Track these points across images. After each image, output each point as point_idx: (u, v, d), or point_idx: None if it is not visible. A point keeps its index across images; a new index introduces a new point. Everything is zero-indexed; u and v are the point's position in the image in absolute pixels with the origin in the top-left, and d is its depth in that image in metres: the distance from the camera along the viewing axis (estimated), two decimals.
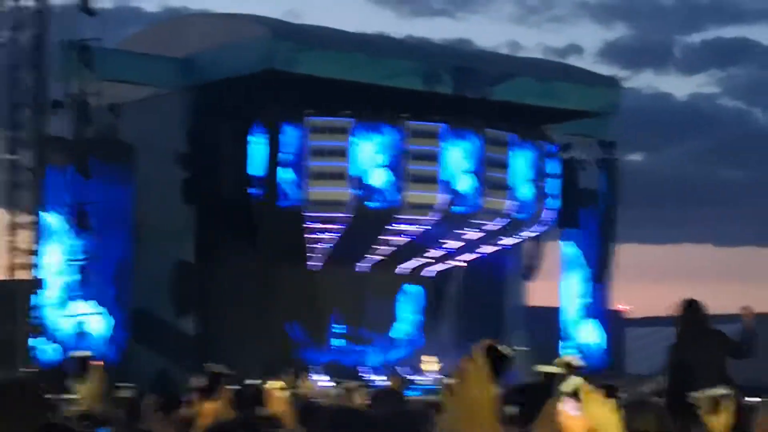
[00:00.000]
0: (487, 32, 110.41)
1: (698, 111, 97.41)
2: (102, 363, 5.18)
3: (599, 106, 41.95)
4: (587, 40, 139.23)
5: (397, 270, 41.92)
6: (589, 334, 44.29)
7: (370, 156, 38.43)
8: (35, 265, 32.52)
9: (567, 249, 45.15)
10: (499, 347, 4.30)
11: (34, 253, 32.51)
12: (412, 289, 42.02)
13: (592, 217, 44.01)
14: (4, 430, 4.94)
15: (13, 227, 32.57)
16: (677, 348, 12.90)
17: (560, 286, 45.10)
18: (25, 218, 32.68)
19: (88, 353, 5.63)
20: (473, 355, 3.16)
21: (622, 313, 50.96)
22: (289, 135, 37.66)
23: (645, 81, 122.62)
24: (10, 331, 31.05)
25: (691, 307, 12.98)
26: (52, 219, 34.06)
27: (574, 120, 42.55)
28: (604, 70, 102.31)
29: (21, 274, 32.29)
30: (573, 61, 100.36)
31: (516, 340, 42.62)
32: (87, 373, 5.12)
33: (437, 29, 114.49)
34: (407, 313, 41.83)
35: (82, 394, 4.92)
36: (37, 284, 32.72)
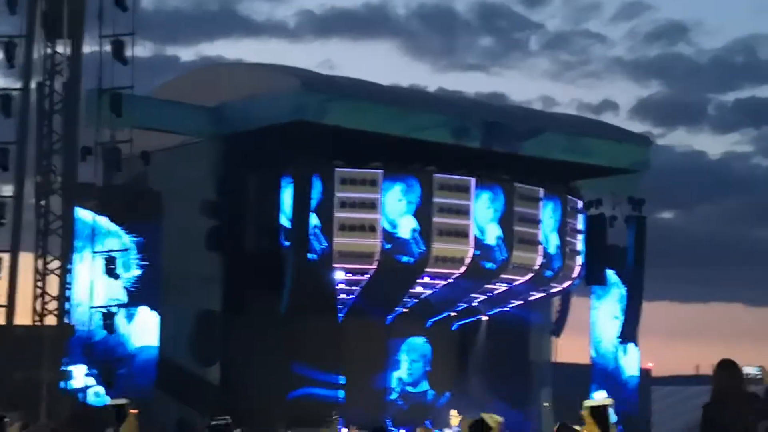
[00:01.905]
0: (522, 87, 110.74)
1: (731, 170, 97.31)
2: (137, 411, 5.15)
3: (629, 163, 41.89)
4: (621, 97, 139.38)
5: (424, 322, 41.81)
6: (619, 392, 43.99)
7: (398, 208, 38.40)
8: (66, 311, 32.46)
9: (595, 306, 44.97)
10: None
11: (64, 299, 32.46)
12: (417, 342, 41.94)
13: (620, 274, 43.83)
14: None
15: (43, 273, 32.56)
16: (711, 408, 12.74)
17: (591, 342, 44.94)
18: (54, 264, 32.66)
19: (124, 401, 5.62)
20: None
21: (649, 371, 50.66)
22: (318, 186, 37.67)
23: (678, 139, 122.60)
24: (37, 376, 30.93)
25: (728, 367, 12.80)
26: (81, 266, 34.05)
27: (604, 176, 42.47)
28: (638, 126, 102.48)
29: (49, 320, 32.23)
30: (607, 117, 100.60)
31: (542, 395, 42.43)
32: (123, 419, 5.10)
33: (471, 83, 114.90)
34: (411, 366, 41.70)
35: None
36: (68, 330, 32.64)
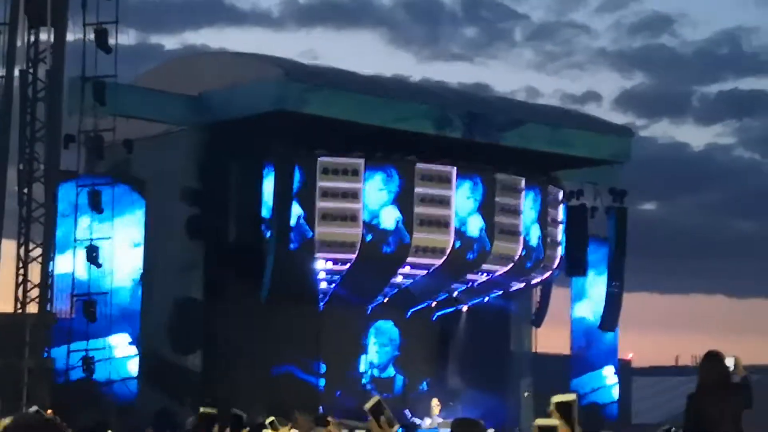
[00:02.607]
0: (506, 78, 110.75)
1: (714, 161, 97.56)
2: (51, 411, 5.16)
3: (610, 154, 42.09)
4: (605, 88, 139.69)
5: (404, 312, 41.95)
6: (598, 383, 44.25)
7: (379, 198, 38.51)
8: (47, 300, 32.53)
9: (575, 296, 45.24)
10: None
11: (46, 287, 32.54)
12: (385, 326, 41.95)
13: (601, 264, 44.08)
14: None
15: (25, 261, 32.63)
16: (696, 398, 12.91)
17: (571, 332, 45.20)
18: (36, 252, 32.74)
19: (34, 407, 5.59)
20: None
21: (629, 362, 50.95)
22: (299, 175, 37.75)
23: (661, 130, 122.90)
24: (18, 366, 31.02)
25: (713, 358, 12.99)
26: (63, 254, 34.13)
27: (585, 167, 42.67)
28: (621, 118, 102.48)
29: (31, 308, 32.32)
30: (590, 108, 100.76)
31: (522, 386, 42.65)
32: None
33: (455, 74, 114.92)
34: (380, 351, 41.76)
35: None
36: (50, 318, 32.72)
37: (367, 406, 6.08)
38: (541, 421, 4.50)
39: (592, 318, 44.71)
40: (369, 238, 38.16)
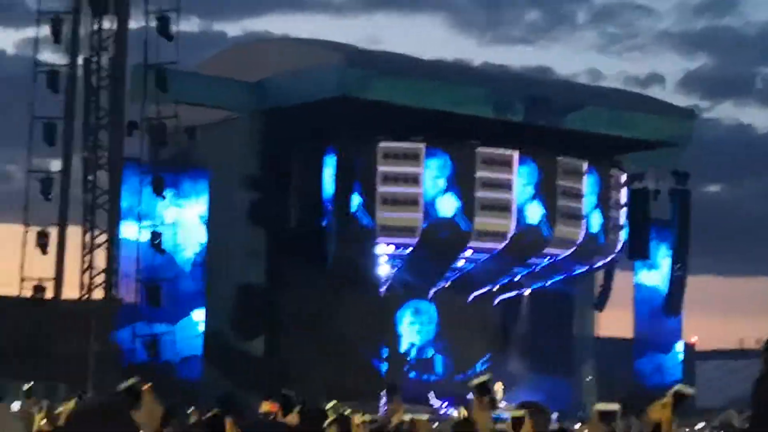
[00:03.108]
0: (568, 60, 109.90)
1: None
2: (150, 385, 5.28)
3: (672, 137, 41.75)
4: (668, 70, 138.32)
5: (465, 297, 41.92)
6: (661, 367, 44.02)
7: (440, 182, 38.49)
8: (112, 285, 32.80)
9: (638, 279, 44.99)
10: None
11: (111, 272, 32.81)
12: (423, 305, 41.68)
13: (664, 248, 43.82)
14: None
15: (90, 247, 32.91)
16: (763, 384, 12.76)
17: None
18: (101, 238, 33.01)
19: (133, 380, 5.73)
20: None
21: (693, 346, 50.59)
22: (361, 160, 37.81)
23: (725, 112, 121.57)
24: (84, 351, 31.28)
25: None
26: (128, 239, 34.42)
27: (647, 150, 42.36)
28: (684, 100, 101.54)
29: (97, 293, 32.59)
30: (653, 90, 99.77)
31: (585, 370, 42.49)
32: (138, 400, 5.25)
33: (517, 57, 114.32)
34: (421, 330, 41.57)
35: (141, 420, 5.05)
36: (116, 304, 33.00)
37: (475, 382, 6.13)
38: (601, 406, 4.53)
39: (655, 302, 44.41)
40: (430, 222, 38.15)
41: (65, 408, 8.04)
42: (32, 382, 13.91)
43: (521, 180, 39.22)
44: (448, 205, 38.42)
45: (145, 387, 5.67)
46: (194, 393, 34.93)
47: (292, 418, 10.32)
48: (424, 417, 9.60)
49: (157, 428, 5.50)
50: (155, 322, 34.18)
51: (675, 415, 4.88)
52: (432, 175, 38.28)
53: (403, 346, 41.06)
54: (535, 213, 39.47)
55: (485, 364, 41.82)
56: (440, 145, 38.60)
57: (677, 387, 5.16)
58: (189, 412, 18.26)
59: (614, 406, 4.75)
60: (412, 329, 41.35)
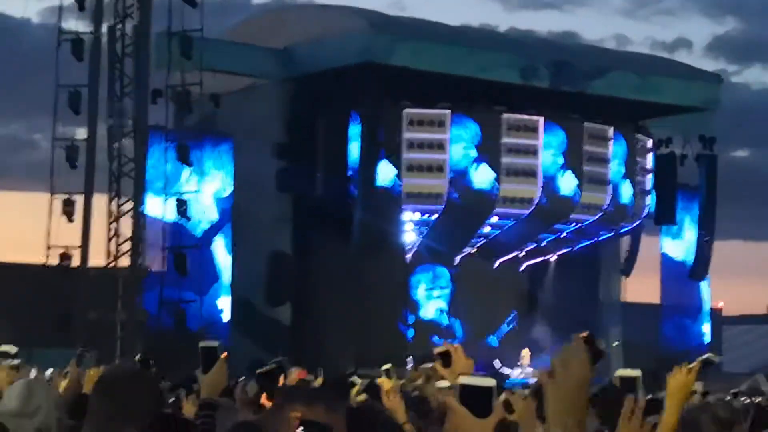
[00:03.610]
0: (594, 25, 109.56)
1: None
2: (226, 354, 5.29)
3: (699, 101, 41.54)
4: (696, 34, 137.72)
5: (492, 263, 41.92)
6: (688, 332, 43.94)
7: (466, 148, 38.43)
8: (139, 253, 32.96)
9: (665, 245, 44.89)
10: (596, 340, 4.43)
11: (137, 240, 32.96)
12: (441, 270, 41.59)
13: (691, 213, 43.68)
14: (119, 420, 5.03)
15: (116, 215, 33.04)
16: None
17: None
18: (127, 206, 33.13)
19: (216, 343, 5.73)
20: (574, 343, 3.20)
21: (719, 311, 50.49)
22: (387, 127, 37.76)
23: (754, 76, 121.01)
24: (112, 318, 31.49)
25: None
26: (153, 207, 34.54)
27: (674, 115, 42.19)
28: (713, 64, 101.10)
29: (123, 261, 32.75)
30: (681, 55, 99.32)
31: (611, 336, 42.43)
32: (212, 363, 5.28)
33: (544, 22, 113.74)
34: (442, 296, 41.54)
35: (205, 382, 5.06)
36: (142, 272, 33.16)
37: (437, 350, 6.03)
38: (622, 372, 4.48)
39: (682, 267, 44.31)
40: (456, 188, 38.13)
41: (89, 374, 8.06)
42: (82, 349, 13.95)
43: (548, 146, 39.10)
44: (475, 171, 38.35)
45: (224, 355, 5.71)
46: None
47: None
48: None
49: (215, 394, 5.53)
50: (182, 290, 34.30)
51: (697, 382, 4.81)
52: (460, 141, 38.19)
53: (428, 312, 41.05)
54: (561, 179, 39.35)
55: (511, 323, 41.85)
56: (466, 111, 38.51)
57: (707, 355, 5.10)
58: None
59: (636, 372, 4.68)
60: (432, 294, 41.34)
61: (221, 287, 36.69)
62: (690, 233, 43.87)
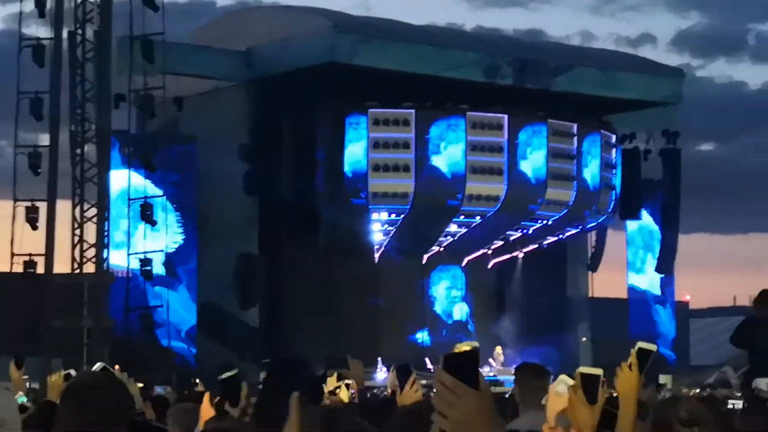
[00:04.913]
0: (560, 22, 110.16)
1: None
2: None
3: (662, 96, 41.68)
4: (660, 29, 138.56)
5: (460, 261, 41.94)
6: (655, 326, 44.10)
7: (431, 147, 38.41)
8: (104, 259, 32.74)
9: (630, 240, 45.02)
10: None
11: (102, 246, 32.71)
12: (449, 272, 41.91)
13: (655, 207, 43.82)
14: (90, 428, 4.93)
15: (80, 221, 32.79)
16: (751, 326, 12.74)
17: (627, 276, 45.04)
18: (91, 212, 32.89)
19: (235, 371, 5.60)
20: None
21: (686, 304, 50.69)
22: (352, 128, 37.69)
23: (718, 70, 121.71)
24: (78, 325, 31.22)
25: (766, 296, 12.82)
26: (118, 213, 34.34)
27: (637, 110, 42.32)
28: (677, 59, 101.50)
29: (88, 268, 32.50)
30: (646, 50, 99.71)
31: (580, 331, 42.55)
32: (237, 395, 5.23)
33: (509, 20, 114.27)
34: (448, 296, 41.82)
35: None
36: (107, 278, 32.92)
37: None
38: (584, 369, 4.42)
39: (647, 261, 44.45)
40: (422, 187, 38.12)
41: (52, 382, 7.87)
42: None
43: (512, 143, 39.14)
44: (440, 170, 38.35)
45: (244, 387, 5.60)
46: (190, 364, 34.97)
47: None
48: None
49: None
50: (148, 296, 34.11)
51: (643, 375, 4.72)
52: (425, 140, 38.19)
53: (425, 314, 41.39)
54: (526, 175, 39.41)
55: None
56: (431, 110, 38.51)
57: (639, 344, 5.04)
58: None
59: (597, 371, 4.61)
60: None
61: (188, 291, 36.50)
62: (654, 228, 44.07)
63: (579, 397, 4.60)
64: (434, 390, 3.06)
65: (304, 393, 4.48)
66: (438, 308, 41.89)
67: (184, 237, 36.66)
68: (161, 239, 35.09)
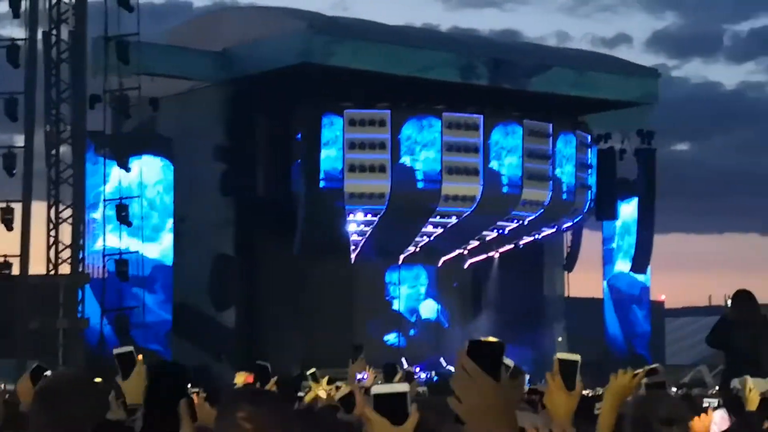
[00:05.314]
0: (536, 23, 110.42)
1: (746, 100, 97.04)
2: (141, 357, 5.23)
3: (637, 96, 41.80)
4: (636, 30, 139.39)
5: (436, 261, 41.99)
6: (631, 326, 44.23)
7: (407, 148, 38.44)
8: (80, 260, 32.67)
9: (606, 239, 45.13)
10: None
11: (77, 247, 32.65)
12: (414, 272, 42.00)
13: (630, 206, 43.92)
14: (61, 429, 4.94)
15: (56, 222, 32.71)
16: (727, 326, 12.80)
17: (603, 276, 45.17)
18: (66, 213, 32.81)
19: (130, 348, 5.65)
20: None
21: (661, 303, 50.84)
22: (327, 128, 37.70)
23: (693, 70, 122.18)
24: (53, 326, 31.16)
25: (744, 296, 12.90)
26: (93, 214, 34.27)
27: (612, 110, 42.42)
28: (653, 59, 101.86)
29: (63, 269, 32.42)
30: (621, 50, 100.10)
31: (556, 330, 42.67)
32: (131, 369, 5.23)
33: (485, 20, 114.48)
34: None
35: (126, 389, 4.97)
36: (83, 279, 32.85)
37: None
38: (562, 355, 4.43)
39: (623, 261, 44.58)
40: (398, 187, 38.15)
41: (21, 387, 7.62)
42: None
43: (487, 143, 39.22)
44: (416, 170, 38.40)
45: (139, 357, 5.64)
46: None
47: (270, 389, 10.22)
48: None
49: (139, 400, 5.44)
50: (123, 296, 34.04)
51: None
52: (401, 140, 38.23)
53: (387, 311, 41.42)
54: (502, 175, 39.49)
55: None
56: (406, 110, 38.54)
57: (654, 365, 5.10)
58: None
59: (575, 357, 4.62)
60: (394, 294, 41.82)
61: (164, 292, 36.43)
62: (630, 227, 44.17)
63: (557, 383, 4.62)
64: (454, 372, 3.10)
65: (189, 398, 4.54)
66: (402, 307, 41.93)
67: (159, 238, 36.55)
68: (137, 240, 35.01)
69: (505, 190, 39.55)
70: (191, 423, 4.12)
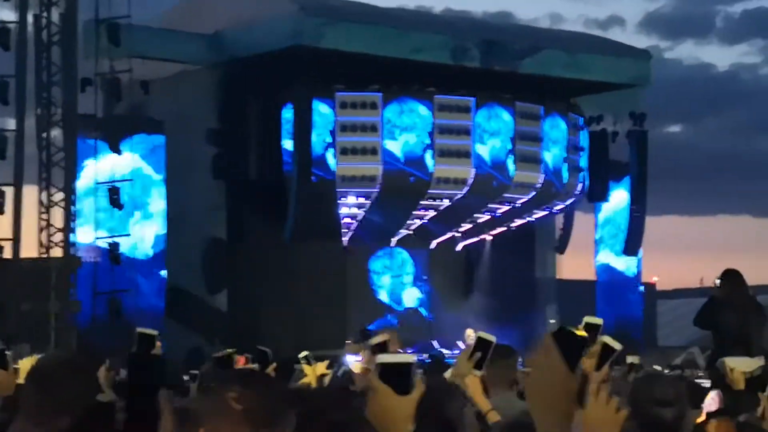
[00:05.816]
0: (529, 4, 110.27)
1: (739, 81, 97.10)
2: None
3: (629, 78, 41.78)
4: (629, 11, 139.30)
5: (428, 244, 42.00)
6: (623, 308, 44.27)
7: (399, 130, 38.42)
8: (71, 243, 32.68)
9: (598, 221, 45.17)
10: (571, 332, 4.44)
11: (69, 231, 32.67)
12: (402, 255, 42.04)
13: (623, 189, 43.96)
14: (53, 410, 4.94)
15: (47, 206, 32.71)
16: (716, 306, 12.81)
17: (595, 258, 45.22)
18: (58, 196, 32.81)
19: (155, 332, 5.64)
20: (545, 339, 3.20)
21: (653, 285, 50.92)
22: (319, 110, 37.67)
23: (686, 51, 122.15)
24: (44, 308, 31.18)
25: (733, 276, 12.91)
26: (85, 197, 34.24)
27: (604, 92, 42.41)
28: (645, 40, 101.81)
29: (55, 252, 32.44)
30: (614, 32, 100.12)
31: (548, 312, 42.73)
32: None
33: (478, 2, 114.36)
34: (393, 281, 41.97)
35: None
36: (74, 262, 32.86)
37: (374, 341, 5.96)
38: (588, 319, 4.43)
39: (615, 243, 44.63)
40: (390, 170, 38.15)
41: (22, 365, 7.86)
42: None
43: (481, 126, 39.20)
44: (408, 153, 38.38)
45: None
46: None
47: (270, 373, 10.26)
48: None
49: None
50: (116, 280, 34.04)
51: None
52: (392, 123, 38.20)
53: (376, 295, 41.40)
54: (496, 158, 39.49)
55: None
56: (397, 93, 38.51)
57: (605, 339, 5.08)
58: None
59: (599, 320, 4.64)
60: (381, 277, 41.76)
61: (156, 275, 36.44)
62: (622, 210, 44.21)
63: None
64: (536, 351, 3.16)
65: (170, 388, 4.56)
66: (383, 294, 41.94)
67: (151, 221, 36.54)
68: (129, 223, 35.00)
69: (497, 172, 39.53)
70: (172, 410, 4.12)
